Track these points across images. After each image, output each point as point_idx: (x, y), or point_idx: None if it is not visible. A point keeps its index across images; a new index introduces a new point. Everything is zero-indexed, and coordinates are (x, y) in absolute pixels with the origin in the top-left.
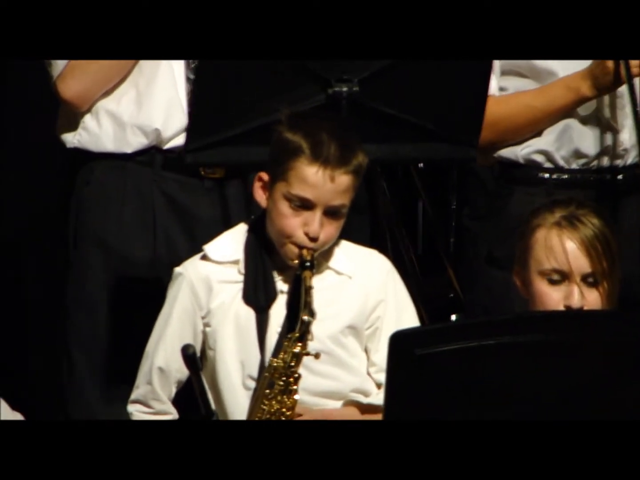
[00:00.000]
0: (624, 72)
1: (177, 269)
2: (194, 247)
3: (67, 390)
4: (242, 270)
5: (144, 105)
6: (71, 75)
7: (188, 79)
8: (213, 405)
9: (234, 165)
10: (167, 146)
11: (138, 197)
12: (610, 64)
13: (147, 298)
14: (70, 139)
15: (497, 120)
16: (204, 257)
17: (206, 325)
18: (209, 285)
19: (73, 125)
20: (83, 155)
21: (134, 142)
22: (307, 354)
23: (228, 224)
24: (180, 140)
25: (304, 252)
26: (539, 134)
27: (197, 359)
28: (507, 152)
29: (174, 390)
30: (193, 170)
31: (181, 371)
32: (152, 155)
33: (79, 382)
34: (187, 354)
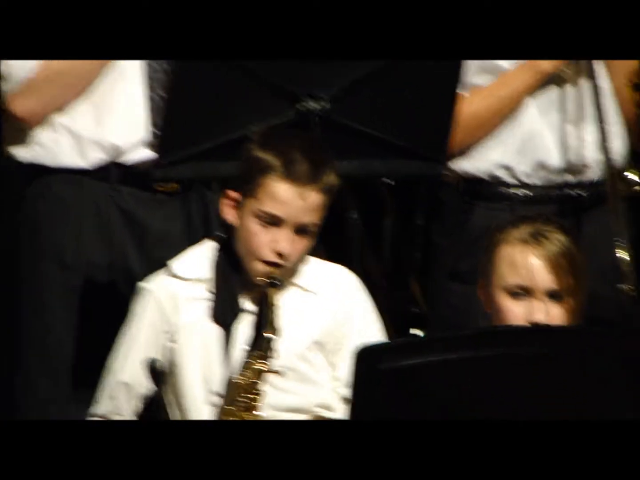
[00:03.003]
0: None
1: (143, 285)
2: (149, 260)
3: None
4: (210, 288)
5: (103, 120)
6: (28, 93)
7: (148, 95)
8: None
9: (200, 180)
10: (124, 161)
11: (95, 212)
12: None
13: (104, 311)
14: (24, 153)
15: (465, 118)
16: (170, 273)
17: (171, 341)
18: (175, 301)
19: (24, 140)
20: (35, 170)
21: (92, 158)
22: (271, 371)
23: (182, 238)
24: (137, 154)
25: (272, 269)
26: (501, 145)
27: (161, 374)
28: (470, 168)
29: (135, 405)
30: (148, 185)
31: (145, 386)
32: (109, 169)
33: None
34: (152, 368)
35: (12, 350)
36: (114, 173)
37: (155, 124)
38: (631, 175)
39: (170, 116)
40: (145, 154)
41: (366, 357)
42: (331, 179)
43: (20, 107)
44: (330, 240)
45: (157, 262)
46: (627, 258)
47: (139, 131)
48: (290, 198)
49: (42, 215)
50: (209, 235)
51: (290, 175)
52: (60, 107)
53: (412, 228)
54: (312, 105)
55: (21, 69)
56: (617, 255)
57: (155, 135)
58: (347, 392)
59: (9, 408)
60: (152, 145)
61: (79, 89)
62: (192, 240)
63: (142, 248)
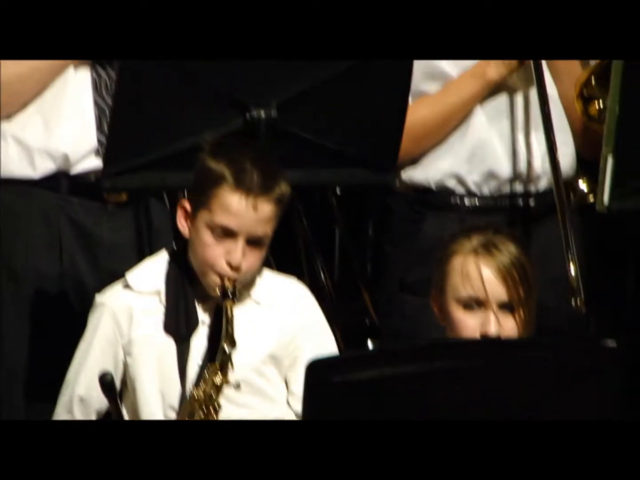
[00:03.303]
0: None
1: (98, 298)
2: (98, 271)
3: None
4: (164, 301)
5: (52, 129)
6: None
7: (96, 104)
8: None
9: (149, 190)
10: (73, 171)
11: (44, 222)
12: None
13: (56, 322)
14: None
15: (412, 126)
16: (126, 286)
17: (127, 354)
18: (130, 314)
19: None
20: None
21: (41, 167)
22: (228, 383)
23: (132, 249)
24: (87, 164)
25: (226, 281)
26: (450, 154)
27: (114, 387)
28: (420, 177)
29: (92, 419)
30: (98, 195)
31: (102, 400)
32: (58, 179)
33: None
34: (105, 382)
35: None
36: (63, 183)
37: (102, 133)
38: (582, 185)
39: (116, 125)
40: (96, 163)
41: (318, 371)
42: (283, 189)
43: None
44: (279, 250)
45: (107, 273)
46: (575, 271)
47: (88, 140)
48: (243, 209)
49: None
50: (156, 246)
51: (242, 186)
52: (6, 116)
53: (362, 238)
54: (260, 113)
55: None
56: (566, 267)
57: (102, 144)
58: (300, 406)
59: None
60: (100, 155)
61: (26, 97)
62: (140, 251)
63: (93, 259)
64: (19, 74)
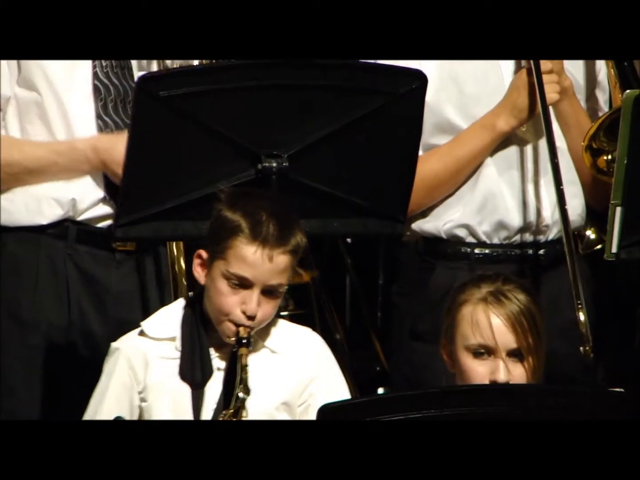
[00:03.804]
0: (547, 140)
1: (114, 344)
2: (106, 319)
3: None
4: (179, 347)
5: None
6: None
7: None
8: None
9: (161, 239)
10: (81, 218)
11: (51, 270)
12: (522, 97)
13: (61, 367)
14: None
15: (423, 178)
16: (141, 333)
17: (142, 400)
18: (145, 360)
19: None
20: None
21: (49, 214)
22: None
23: (139, 296)
24: (95, 211)
25: (241, 330)
26: (460, 204)
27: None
28: (430, 227)
29: None
30: (106, 243)
31: None
32: (66, 227)
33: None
34: None
35: None
36: (71, 231)
37: (109, 183)
38: (590, 234)
39: (130, 176)
40: (103, 210)
41: (329, 416)
42: (298, 239)
43: None
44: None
45: (115, 321)
46: (584, 319)
47: (97, 188)
48: (259, 260)
49: None
50: (164, 294)
51: (258, 238)
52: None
53: (372, 286)
54: (272, 164)
55: None
56: (575, 315)
57: (116, 194)
58: None
59: None
60: (114, 204)
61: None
62: (145, 299)
63: (101, 307)
64: (39, 158)
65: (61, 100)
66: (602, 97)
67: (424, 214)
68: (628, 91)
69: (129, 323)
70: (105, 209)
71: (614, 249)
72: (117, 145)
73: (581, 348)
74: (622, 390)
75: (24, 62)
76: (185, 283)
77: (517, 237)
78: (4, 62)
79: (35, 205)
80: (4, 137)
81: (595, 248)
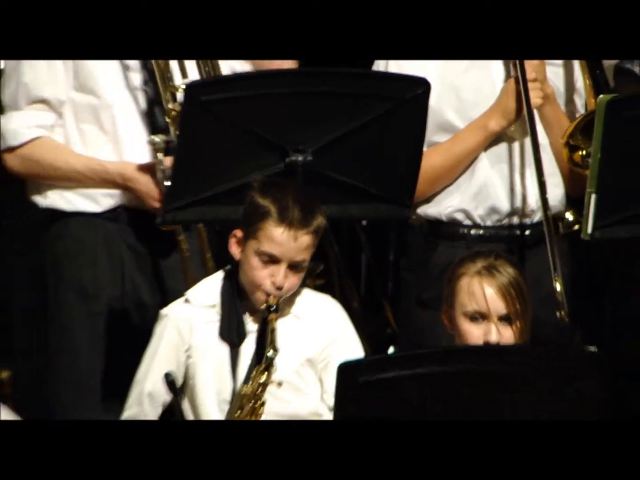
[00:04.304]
0: (533, 153)
1: (163, 311)
2: (154, 289)
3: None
4: (219, 313)
5: None
6: (24, 163)
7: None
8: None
9: (205, 222)
10: (130, 204)
11: (107, 249)
12: (511, 101)
13: (118, 330)
14: (42, 200)
15: (427, 171)
16: (186, 301)
17: (188, 358)
18: (190, 324)
19: (43, 188)
20: (54, 214)
21: (103, 203)
22: (271, 382)
23: (181, 269)
24: (140, 199)
25: (270, 298)
26: (459, 192)
27: (176, 384)
28: (433, 212)
29: (160, 411)
30: (151, 225)
31: (166, 395)
32: (118, 212)
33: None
34: (168, 380)
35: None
36: (122, 215)
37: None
38: (569, 216)
39: (178, 167)
40: None
41: (348, 372)
42: (319, 221)
43: (11, 166)
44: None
45: (162, 291)
46: (560, 289)
47: None
48: (285, 240)
49: (63, 253)
50: (202, 267)
51: (285, 220)
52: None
53: (384, 262)
54: (298, 158)
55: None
56: (554, 286)
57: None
58: (332, 402)
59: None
60: (164, 193)
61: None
62: (188, 271)
63: (150, 279)
64: (78, 172)
65: (112, 103)
66: (579, 102)
67: (427, 200)
68: (601, 96)
69: (173, 292)
70: None
71: (590, 230)
72: (141, 176)
73: (558, 313)
74: (595, 348)
75: (79, 68)
76: (210, 257)
77: (507, 220)
78: (60, 67)
79: (92, 195)
80: (57, 145)
81: (573, 228)
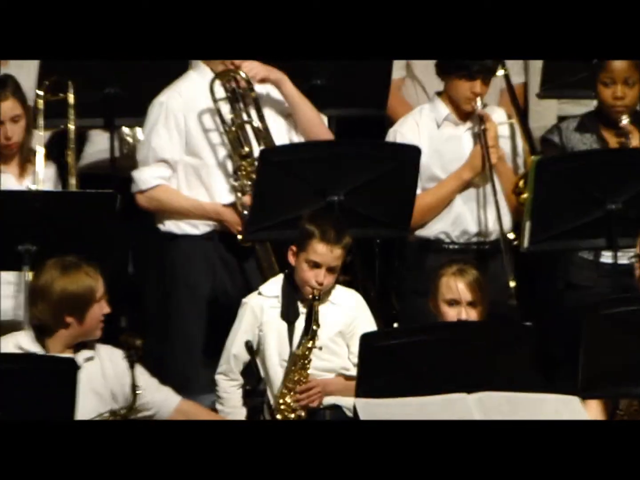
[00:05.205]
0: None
1: (244, 300)
2: (237, 285)
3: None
4: (280, 301)
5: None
6: (152, 202)
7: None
8: (262, 375)
9: (272, 240)
10: (222, 229)
11: (205, 259)
12: (477, 160)
13: (213, 313)
14: (162, 227)
15: (419, 208)
16: (259, 293)
17: (260, 331)
18: (262, 308)
19: (162, 219)
20: (170, 236)
21: (202, 228)
22: (315, 347)
23: (256, 274)
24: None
25: (314, 291)
26: (442, 221)
27: (253, 349)
28: (424, 233)
29: (241, 367)
30: (236, 242)
31: (246, 357)
32: (213, 233)
33: (184, 364)
34: (248, 346)
35: (165, 342)
36: (215, 235)
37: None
38: (511, 235)
39: (254, 205)
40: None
41: (368, 339)
42: (347, 240)
43: (141, 204)
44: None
45: (242, 287)
46: (512, 283)
47: None
48: (325, 253)
49: (177, 264)
50: (270, 270)
51: (325, 240)
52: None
53: (391, 267)
54: (334, 198)
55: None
56: (507, 283)
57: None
58: (356, 360)
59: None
60: (246, 220)
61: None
62: (259, 275)
63: (234, 279)
64: (186, 210)
65: (209, 162)
66: (520, 161)
67: (421, 226)
68: (533, 157)
69: (250, 288)
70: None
71: (526, 245)
72: (227, 212)
73: (509, 300)
74: (529, 323)
75: (189, 137)
76: (275, 263)
77: (474, 239)
78: (176, 136)
79: (194, 223)
80: (172, 190)
81: (515, 244)
